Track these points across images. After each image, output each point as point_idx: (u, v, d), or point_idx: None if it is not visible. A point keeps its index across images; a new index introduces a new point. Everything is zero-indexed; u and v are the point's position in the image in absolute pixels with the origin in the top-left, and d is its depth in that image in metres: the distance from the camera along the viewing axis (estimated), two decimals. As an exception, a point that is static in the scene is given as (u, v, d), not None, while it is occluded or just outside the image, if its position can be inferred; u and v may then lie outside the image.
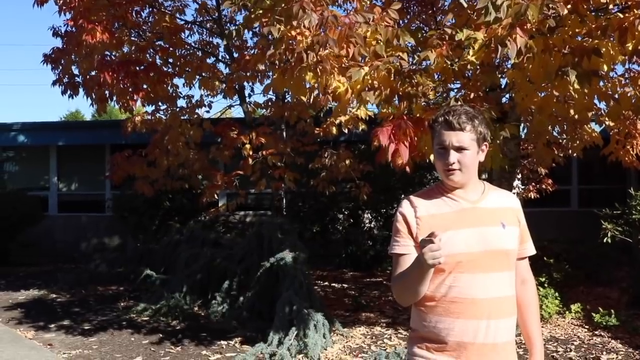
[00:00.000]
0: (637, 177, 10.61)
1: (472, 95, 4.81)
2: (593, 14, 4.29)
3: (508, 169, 5.98)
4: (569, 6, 3.75)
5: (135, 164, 8.52)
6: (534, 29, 3.93)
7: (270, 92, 9.05)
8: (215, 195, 9.87)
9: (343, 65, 4.49)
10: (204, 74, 8.16)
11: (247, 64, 7.53)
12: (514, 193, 6.44)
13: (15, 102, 57.51)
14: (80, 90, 7.81)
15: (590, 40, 4.03)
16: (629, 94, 5.11)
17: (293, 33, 4.49)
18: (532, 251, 2.18)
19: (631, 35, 3.71)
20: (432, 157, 4.78)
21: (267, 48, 5.12)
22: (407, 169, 4.46)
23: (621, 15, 3.87)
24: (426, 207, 2.05)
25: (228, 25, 9.23)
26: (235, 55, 8.57)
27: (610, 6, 4.23)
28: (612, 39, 4.03)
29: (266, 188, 8.43)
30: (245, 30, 8.10)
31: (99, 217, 12.84)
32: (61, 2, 7.30)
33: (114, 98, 7.31)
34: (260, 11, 4.93)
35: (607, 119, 6.12)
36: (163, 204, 11.28)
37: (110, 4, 7.26)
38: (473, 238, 1.99)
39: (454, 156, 1.99)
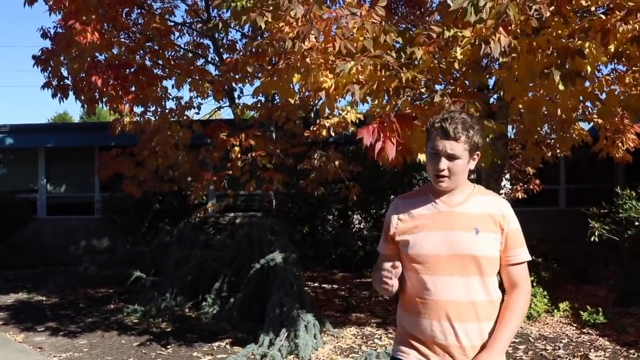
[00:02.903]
0: (624, 175, 10.71)
1: (459, 90, 4.82)
2: (578, 14, 4.33)
3: (500, 163, 5.97)
4: (552, 8, 3.78)
5: (124, 163, 8.49)
6: (518, 30, 3.96)
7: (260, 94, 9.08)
8: (204, 197, 9.83)
9: (330, 62, 4.51)
10: (193, 77, 8.15)
11: (236, 65, 7.53)
12: (501, 193, 6.48)
13: (2, 104, 57.05)
14: (70, 92, 7.78)
15: (574, 41, 4.08)
16: (616, 92, 5.15)
17: (281, 24, 4.50)
18: (522, 258, 2.10)
19: (613, 37, 3.76)
20: (420, 155, 4.83)
21: (257, 47, 5.14)
22: (396, 166, 4.46)
23: (603, 17, 3.91)
24: (407, 209, 2.17)
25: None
26: (225, 56, 8.57)
27: (593, 8, 4.27)
28: (595, 40, 4.07)
29: (256, 189, 8.42)
30: (234, 30, 8.09)
31: (88, 220, 12.77)
32: (51, 1, 7.27)
33: (104, 100, 7.29)
34: (250, 4, 4.94)
35: (595, 117, 6.19)
36: (152, 205, 11.24)
37: (100, 5, 7.23)
38: (442, 241, 2.05)
39: (444, 163, 2.03)
